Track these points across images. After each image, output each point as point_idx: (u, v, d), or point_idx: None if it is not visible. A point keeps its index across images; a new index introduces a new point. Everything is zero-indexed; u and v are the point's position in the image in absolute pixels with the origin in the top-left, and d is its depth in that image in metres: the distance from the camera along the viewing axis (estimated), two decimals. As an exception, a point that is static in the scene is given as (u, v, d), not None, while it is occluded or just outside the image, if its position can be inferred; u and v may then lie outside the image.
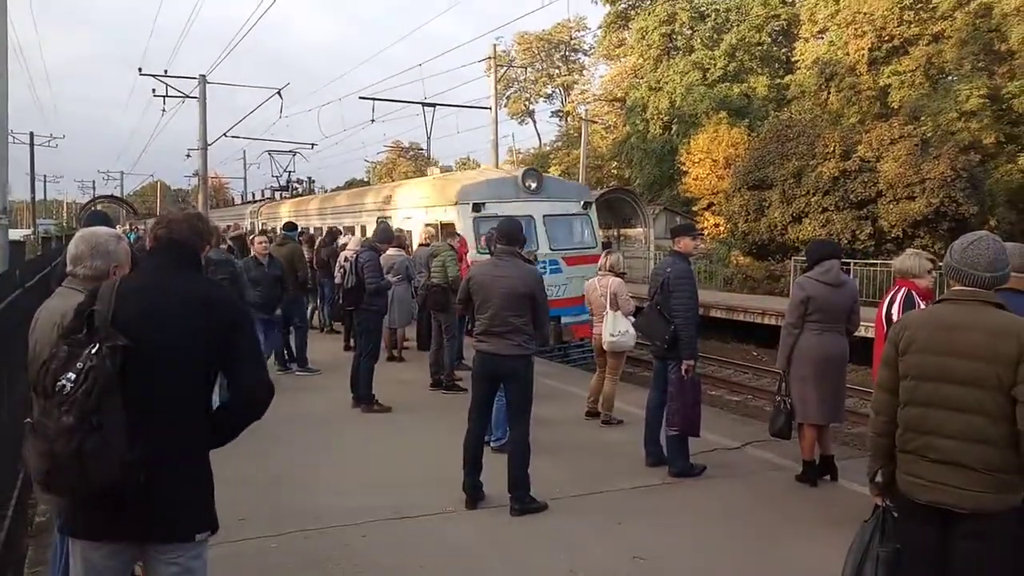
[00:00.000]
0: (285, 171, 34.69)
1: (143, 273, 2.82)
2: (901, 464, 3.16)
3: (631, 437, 7.01)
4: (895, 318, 4.67)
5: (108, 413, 2.36)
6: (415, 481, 6.14)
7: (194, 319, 2.61)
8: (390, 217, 15.99)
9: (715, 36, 38.79)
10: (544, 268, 12.53)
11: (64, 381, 2.35)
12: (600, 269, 8.10)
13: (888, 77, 31.31)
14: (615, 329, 7.66)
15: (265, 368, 2.84)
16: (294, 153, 34.86)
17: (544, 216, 14.25)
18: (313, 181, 37.63)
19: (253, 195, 36.56)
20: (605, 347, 7.80)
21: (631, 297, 7.89)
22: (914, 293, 4.92)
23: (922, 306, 4.70)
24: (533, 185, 14.51)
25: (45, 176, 63.71)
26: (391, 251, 10.58)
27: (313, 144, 35.51)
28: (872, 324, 5.19)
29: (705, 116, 34.52)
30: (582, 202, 15.35)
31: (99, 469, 2.34)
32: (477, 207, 13.75)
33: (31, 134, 49.13)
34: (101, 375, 2.37)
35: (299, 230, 14.08)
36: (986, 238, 3.15)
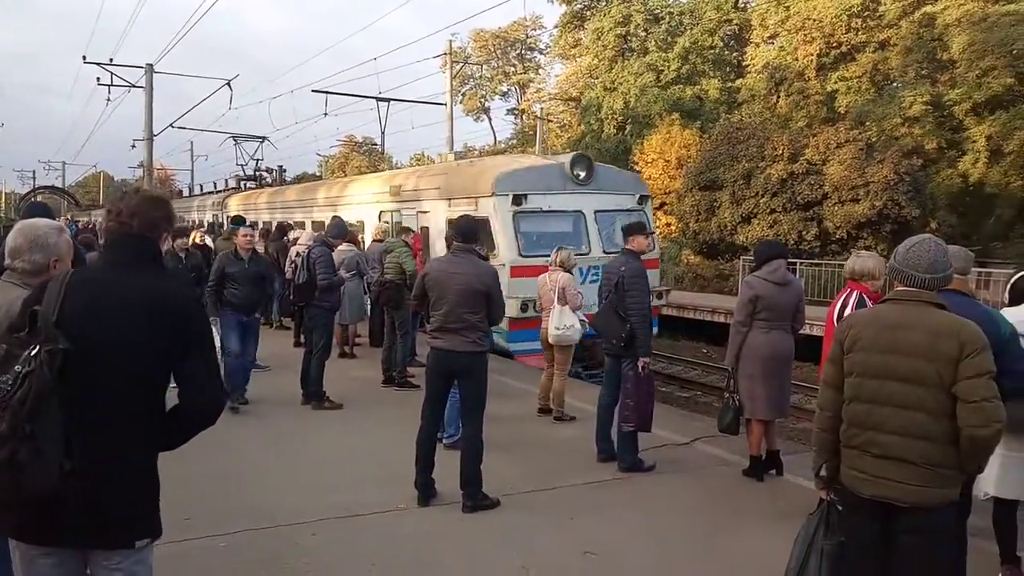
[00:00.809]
0: (252, 159, 31.89)
1: (95, 269, 2.69)
2: (845, 459, 3.24)
3: (582, 433, 7.05)
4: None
5: (43, 421, 2.24)
6: (367, 479, 6.09)
7: (145, 320, 2.46)
8: (398, 210, 14.33)
9: (669, 39, 39.20)
10: (595, 275, 10.03)
11: (4, 383, 2.24)
12: (551, 265, 8.22)
13: (835, 83, 32.03)
14: (560, 323, 7.82)
15: (218, 377, 2.71)
16: (263, 140, 32.10)
17: (596, 212, 12.18)
18: (284, 170, 34.54)
19: (215, 184, 33.96)
20: (551, 340, 7.95)
21: (579, 292, 8.03)
22: (865, 296, 5.05)
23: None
24: (583, 174, 12.35)
25: (-19, 165, 61.53)
26: (343, 246, 10.45)
27: (264, 137, 34.91)
28: (818, 322, 5.31)
29: (658, 117, 34.84)
30: (638, 196, 13.03)
31: (32, 480, 2.24)
32: (518, 199, 11.54)
33: (-33, 121, 47.33)
34: (37, 381, 2.24)
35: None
36: (927, 241, 3.24)
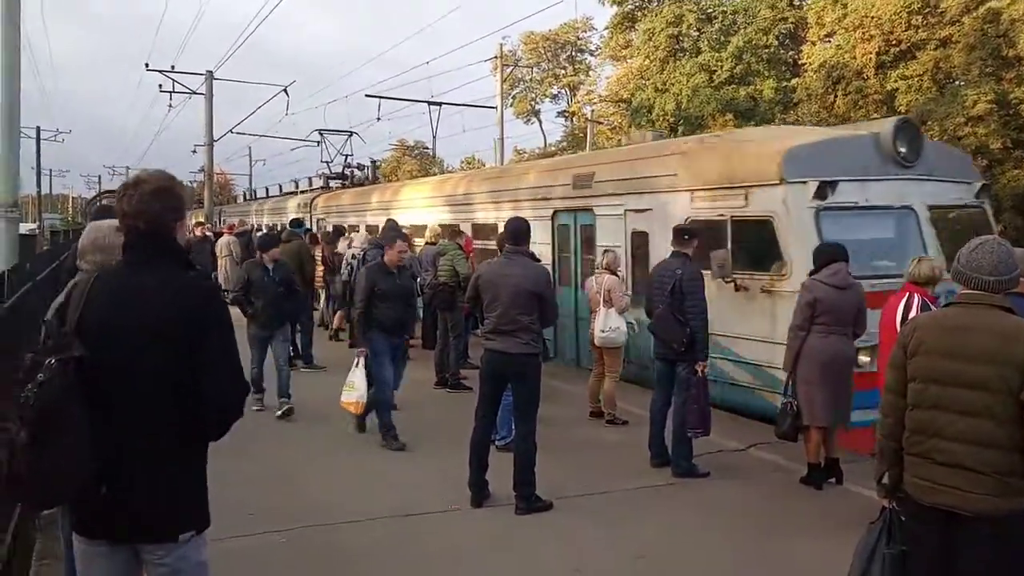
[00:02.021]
0: (341, 154, 28.29)
1: (115, 271, 2.64)
2: (908, 466, 3.17)
3: (635, 437, 7.02)
4: None
5: (62, 430, 2.28)
6: (421, 479, 6.17)
7: (162, 315, 2.46)
8: (587, 209, 10.48)
9: (722, 38, 38.72)
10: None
11: (27, 392, 2.28)
12: (597, 267, 8.31)
13: (895, 81, 31.24)
14: (606, 325, 7.86)
15: (238, 375, 2.59)
16: (351, 134, 28.64)
17: (930, 208, 8.24)
18: (378, 166, 31.10)
19: (296, 183, 31.11)
20: (597, 343, 8.00)
21: (625, 294, 8.07)
22: (928, 300, 4.94)
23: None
24: (910, 152, 8.21)
25: (51, 170, 64.01)
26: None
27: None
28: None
29: (711, 118, 34.49)
30: (978, 184, 9.07)
31: (55, 487, 2.33)
32: (823, 190, 7.60)
33: (37, 128, 49.29)
34: (52, 391, 2.28)
35: (304, 227, 13.81)
36: (991, 242, 3.16)
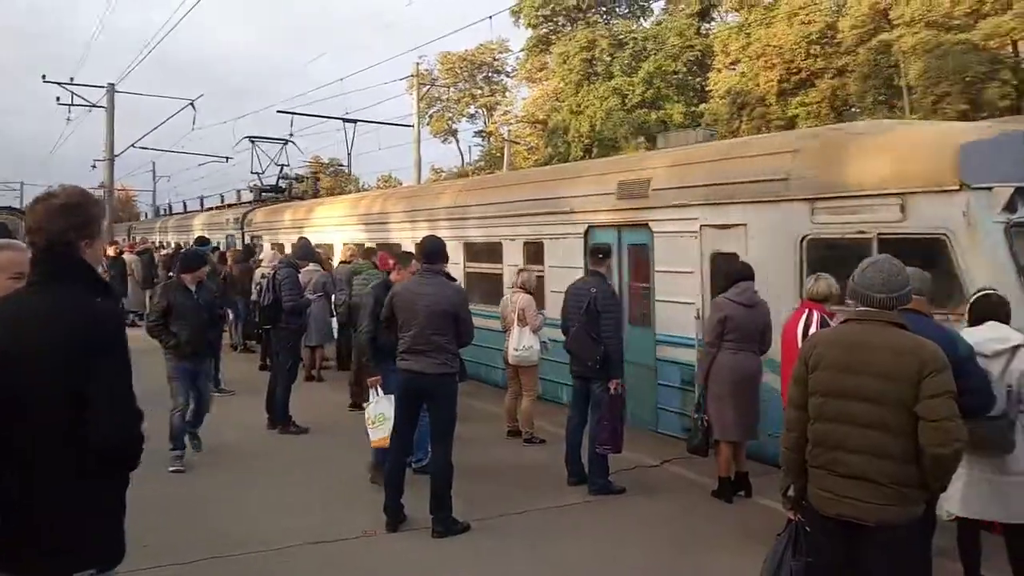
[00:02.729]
0: (275, 163, 25.42)
1: (15, 293, 2.50)
2: (811, 479, 3.28)
3: (552, 456, 7.05)
4: None
5: None
6: (335, 504, 6.02)
7: (50, 345, 2.31)
8: (643, 224, 8.29)
9: (633, 63, 39.84)
10: None
11: None
12: (512, 286, 8.36)
13: (796, 108, 32.82)
14: (519, 344, 7.94)
15: (127, 410, 2.38)
16: (286, 142, 25.88)
17: None
18: (319, 178, 27.82)
19: (222, 197, 28.08)
20: (511, 361, 8.07)
21: (539, 313, 8.11)
22: (826, 316, 5.15)
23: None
24: None
25: (-65, 185, 59.92)
26: (310, 267, 10.39)
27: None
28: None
29: (624, 140, 35.36)
30: None
31: None
32: (1014, 202, 5.69)
33: (-79, 140, 46.24)
34: None
35: (210, 245, 13.48)
36: (882, 260, 3.31)
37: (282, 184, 24.86)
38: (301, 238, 11.76)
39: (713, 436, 6.17)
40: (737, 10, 37.87)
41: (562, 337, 6.86)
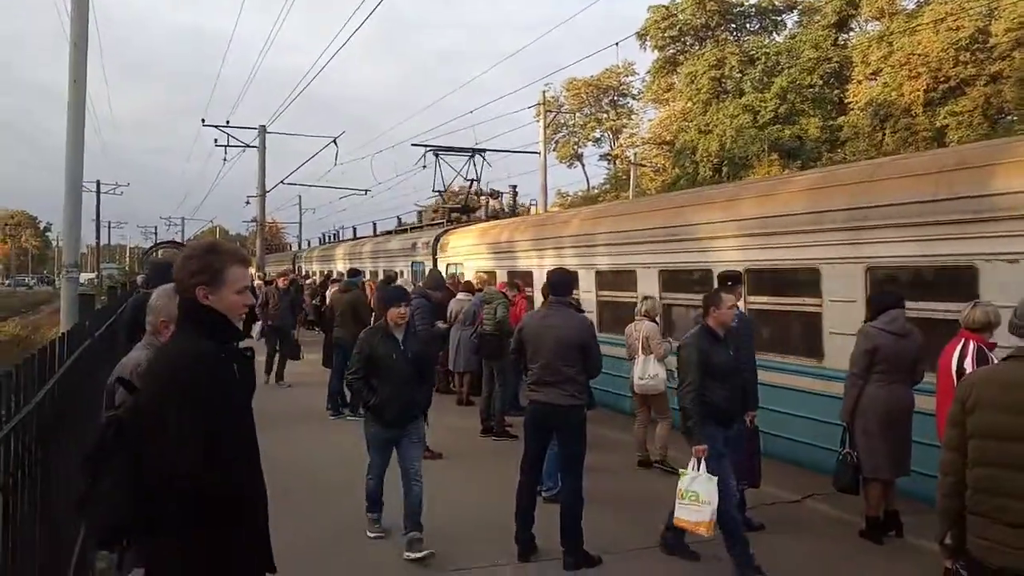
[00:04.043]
0: (467, 180, 21.98)
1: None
2: (972, 527, 3.04)
3: (686, 488, 6.85)
4: (968, 372, 4.55)
5: (106, 475, 2.43)
6: (466, 532, 6.09)
7: (146, 393, 2.56)
8: None
9: (765, 79, 38.73)
10: None
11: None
12: (636, 314, 8.27)
13: (945, 118, 30.80)
14: (645, 373, 7.89)
15: (182, 463, 2.37)
16: (473, 153, 22.34)
17: None
18: (517, 190, 22.92)
19: (399, 219, 25.09)
20: (636, 390, 8.03)
21: (663, 341, 8.00)
22: (984, 347, 4.78)
23: (994, 362, 4.56)
24: None
25: (110, 222, 66.51)
26: (460, 295, 10.72)
27: (367, 190, 36.12)
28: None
29: (756, 158, 34.36)
30: None
31: (99, 522, 2.52)
32: None
33: (98, 182, 51.55)
34: (98, 442, 2.50)
35: (361, 276, 13.44)
36: None
37: (472, 201, 21.66)
38: (432, 270, 12.08)
39: (862, 473, 5.82)
40: (878, 19, 36.09)
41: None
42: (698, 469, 5.16)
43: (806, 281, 7.78)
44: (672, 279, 9.89)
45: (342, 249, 28.67)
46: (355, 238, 30.22)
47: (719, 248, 8.88)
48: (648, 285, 9.97)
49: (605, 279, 11.25)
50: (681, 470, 5.32)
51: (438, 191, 22.78)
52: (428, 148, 22.38)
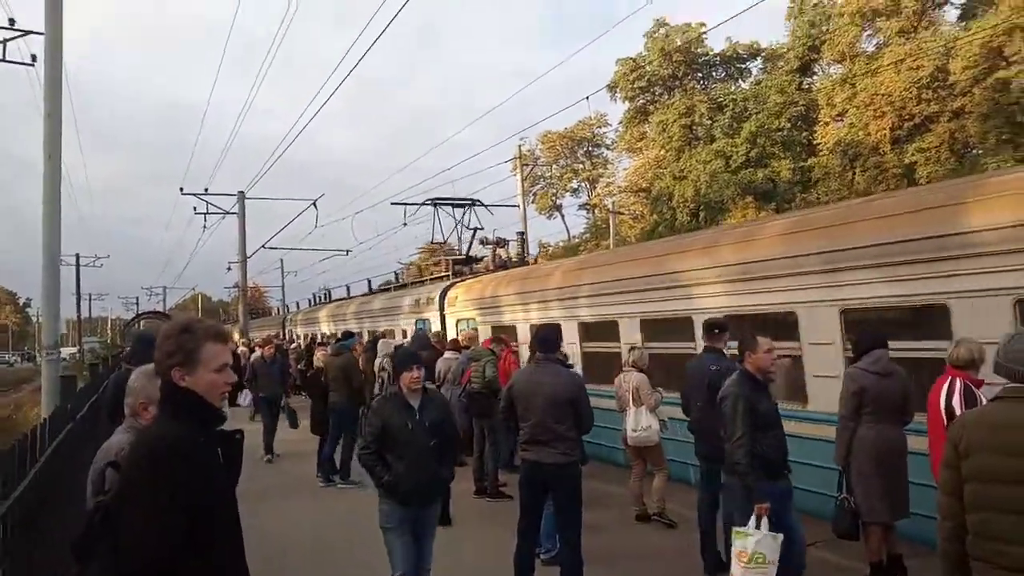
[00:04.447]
0: (468, 228, 21.15)
1: None
2: (975, 571, 3.00)
3: (684, 541, 6.76)
4: (957, 411, 4.55)
5: (91, 563, 2.47)
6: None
7: (124, 478, 2.54)
8: None
9: (735, 125, 39.53)
10: None
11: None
12: (624, 365, 8.17)
13: (913, 154, 31.49)
14: (638, 425, 7.74)
15: (136, 556, 2.31)
16: (472, 204, 21.45)
17: None
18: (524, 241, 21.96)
19: (397, 276, 23.98)
20: (630, 442, 7.87)
21: (655, 391, 7.87)
22: (971, 385, 4.79)
23: (982, 399, 4.57)
24: None
25: (90, 294, 65.85)
26: (448, 354, 10.57)
27: (348, 250, 36.22)
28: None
29: (732, 201, 34.85)
30: None
31: None
32: None
33: (77, 256, 51.07)
34: (85, 528, 2.55)
35: (354, 339, 12.89)
36: None
37: (475, 252, 20.64)
38: (419, 329, 11.98)
39: (861, 518, 5.75)
40: (839, 61, 37.12)
41: (682, 415, 6.67)
42: (758, 527, 4.89)
43: (785, 324, 7.80)
44: (653, 328, 9.89)
45: (328, 311, 27.72)
46: (348, 297, 29.12)
47: (699, 295, 8.93)
48: (631, 334, 10.00)
49: (589, 330, 11.22)
50: (738, 530, 4.98)
51: (438, 242, 21.84)
52: (427, 202, 21.72)
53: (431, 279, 21.08)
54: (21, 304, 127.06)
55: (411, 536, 4.96)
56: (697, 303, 8.92)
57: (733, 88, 42.66)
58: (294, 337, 29.68)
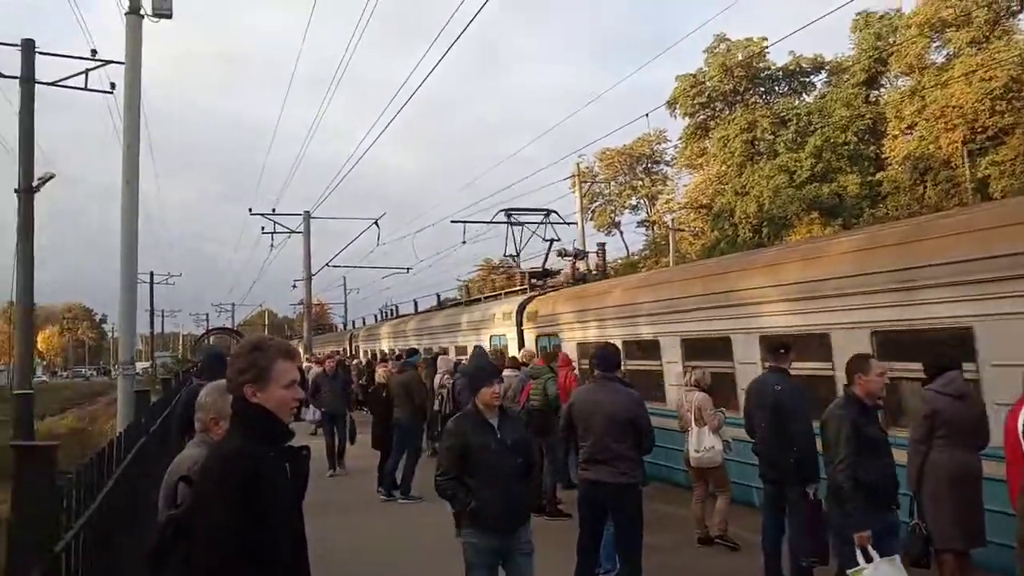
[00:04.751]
0: (543, 239, 20.25)
1: None
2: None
3: (748, 565, 6.60)
4: None
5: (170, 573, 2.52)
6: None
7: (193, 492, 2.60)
8: None
9: (799, 139, 38.80)
10: None
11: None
12: (686, 385, 8.05)
13: (986, 168, 30.37)
14: (700, 445, 7.60)
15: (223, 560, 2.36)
16: (547, 213, 20.77)
17: None
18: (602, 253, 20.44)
19: (467, 289, 23.87)
20: (692, 463, 7.74)
21: (717, 412, 7.73)
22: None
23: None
24: None
25: (163, 311, 68.27)
26: (507, 372, 10.60)
27: (409, 268, 36.73)
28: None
29: (796, 217, 34.15)
30: None
31: None
32: None
33: (151, 274, 53.13)
34: (158, 541, 2.60)
35: (419, 355, 12.72)
36: None
37: (554, 265, 19.65)
38: (477, 347, 12.01)
39: (933, 544, 5.53)
40: (907, 74, 36.15)
41: (746, 436, 6.55)
42: (867, 560, 4.59)
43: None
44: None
45: (390, 327, 27.22)
46: (416, 312, 28.54)
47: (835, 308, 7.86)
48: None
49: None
50: (852, 572, 4.66)
51: (510, 255, 20.79)
52: (502, 211, 20.89)
53: (506, 293, 20.10)
54: (97, 320, 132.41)
55: (499, 566, 4.64)
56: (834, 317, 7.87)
57: (796, 102, 41.93)
58: (359, 353, 29.95)
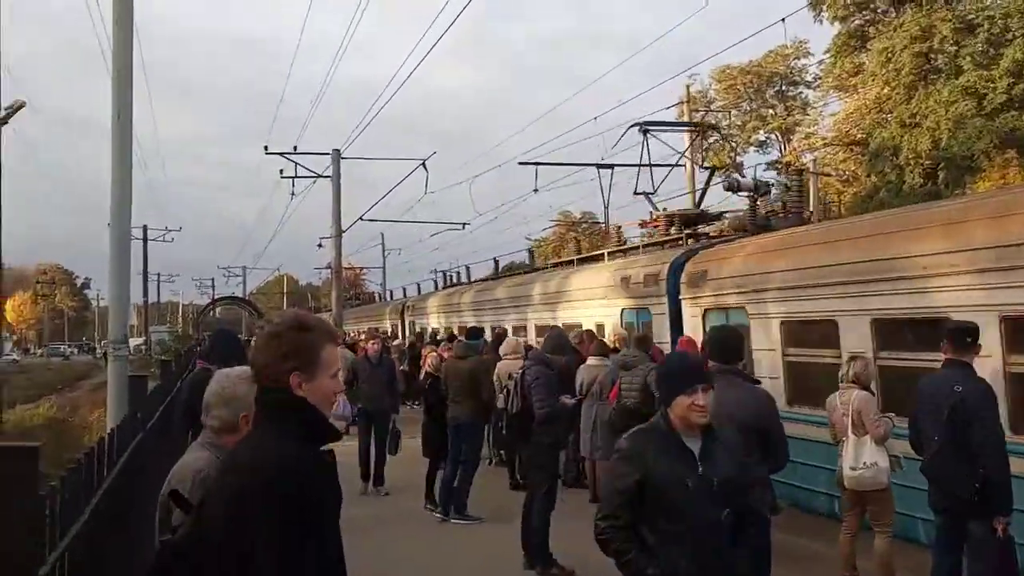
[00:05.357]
0: (701, 166, 20.55)
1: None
2: None
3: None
4: None
5: None
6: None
7: (211, 519, 2.54)
8: None
9: (991, 52, 37.30)
10: None
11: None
12: (841, 380, 7.66)
13: None
14: (857, 461, 7.28)
15: None
16: (704, 129, 21.93)
17: None
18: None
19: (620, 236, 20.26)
20: (846, 484, 7.46)
21: (883, 417, 7.40)
22: None
23: None
24: None
25: (159, 275, 69.91)
26: (592, 360, 10.58)
27: (465, 223, 36.83)
28: None
29: (985, 157, 32.97)
30: None
31: None
32: None
33: (144, 227, 54.34)
34: (159, 563, 2.72)
35: (483, 339, 12.64)
36: None
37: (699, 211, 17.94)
38: (553, 327, 11.95)
39: None
40: None
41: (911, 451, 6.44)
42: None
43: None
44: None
45: (464, 296, 26.38)
46: (496, 275, 28.31)
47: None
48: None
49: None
50: None
51: (643, 192, 19.04)
52: (634, 124, 19.42)
53: (647, 245, 17.84)
54: (78, 285, 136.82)
55: None
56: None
57: (989, 1, 40.25)
58: (410, 330, 30.07)
